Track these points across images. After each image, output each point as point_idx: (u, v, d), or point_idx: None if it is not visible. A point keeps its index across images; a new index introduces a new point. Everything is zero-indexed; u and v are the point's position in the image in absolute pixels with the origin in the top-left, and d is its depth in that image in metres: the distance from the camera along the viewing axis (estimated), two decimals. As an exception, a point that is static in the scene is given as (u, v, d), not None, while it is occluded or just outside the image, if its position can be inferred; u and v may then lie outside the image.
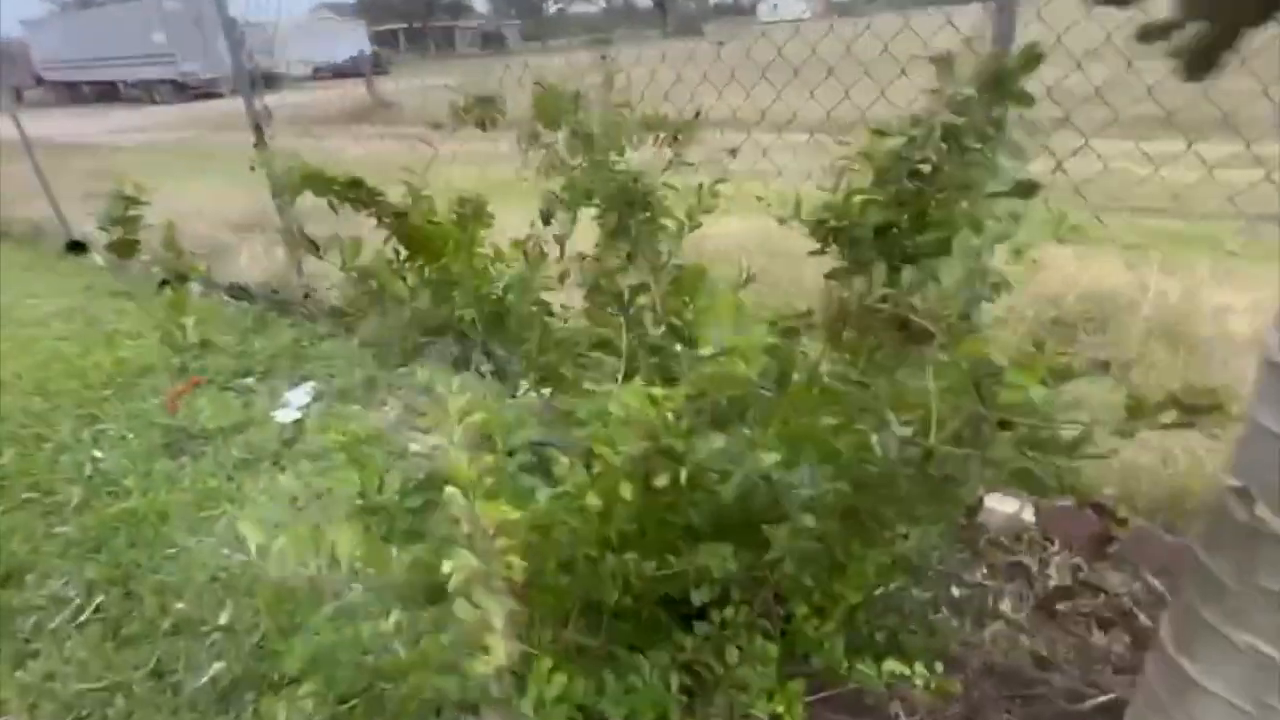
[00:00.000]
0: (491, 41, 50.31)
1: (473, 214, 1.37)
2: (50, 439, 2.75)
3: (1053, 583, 1.80)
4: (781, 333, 0.80)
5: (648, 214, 1.46)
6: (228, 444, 2.64)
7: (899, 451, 0.78)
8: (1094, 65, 1.58)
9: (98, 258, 5.39)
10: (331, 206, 1.32)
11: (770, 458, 0.77)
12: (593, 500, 0.85)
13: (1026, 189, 1.03)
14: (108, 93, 29.57)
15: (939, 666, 1.42)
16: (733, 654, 1.14)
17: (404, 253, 1.42)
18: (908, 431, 0.78)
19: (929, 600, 1.68)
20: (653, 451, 0.83)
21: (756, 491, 0.79)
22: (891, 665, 1.38)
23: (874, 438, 0.80)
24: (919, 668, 1.39)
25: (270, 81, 29.86)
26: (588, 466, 0.88)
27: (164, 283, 4.23)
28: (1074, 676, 1.56)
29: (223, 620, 1.82)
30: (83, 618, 1.86)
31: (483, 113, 1.40)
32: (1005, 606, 1.75)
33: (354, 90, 18.60)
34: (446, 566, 0.65)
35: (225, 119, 18.03)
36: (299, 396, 3.00)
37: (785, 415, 0.84)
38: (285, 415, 2.85)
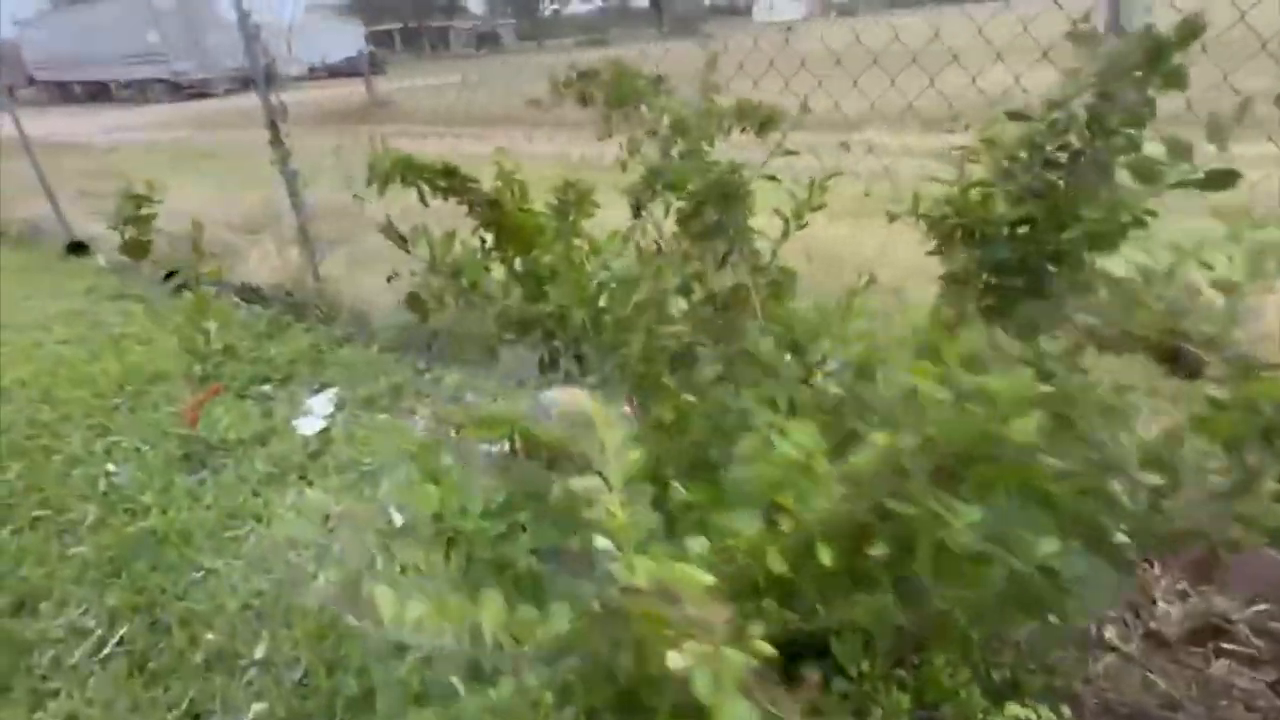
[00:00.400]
0: (487, 41, 50.08)
1: (575, 201, 1.22)
2: (59, 451, 2.59)
3: (1159, 608, 1.67)
4: (1039, 375, 0.66)
5: (742, 210, 1.33)
6: (250, 456, 2.49)
7: (1146, 506, 0.65)
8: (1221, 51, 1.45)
9: (100, 259, 5.22)
10: (422, 198, 1.17)
11: (1049, 544, 0.62)
12: (776, 564, 0.71)
13: (1224, 179, 0.90)
14: (99, 92, 29.26)
15: (1064, 710, 1.29)
16: (873, 713, 1.00)
17: (489, 243, 1.28)
18: (1157, 481, 0.65)
19: (1036, 631, 1.55)
20: (865, 511, 0.69)
21: (1030, 585, 0.65)
22: (1015, 710, 1.26)
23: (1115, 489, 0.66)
24: (1045, 711, 1.27)
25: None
26: (772, 522, 0.74)
27: (179, 286, 4.07)
28: (1200, 715, 1.43)
29: (259, 654, 1.67)
30: (105, 651, 1.71)
31: (584, 88, 1.26)
32: (1111, 635, 1.62)
33: (351, 90, 18.42)
34: (675, 662, 0.51)
35: (220, 117, 17.81)
36: (321, 404, 2.85)
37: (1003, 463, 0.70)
38: (308, 425, 2.70)
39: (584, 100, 1.41)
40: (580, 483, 0.72)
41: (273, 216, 4.98)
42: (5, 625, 1.78)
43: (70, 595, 1.88)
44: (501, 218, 1.20)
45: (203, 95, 25.96)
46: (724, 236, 1.31)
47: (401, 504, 2.24)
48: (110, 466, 2.45)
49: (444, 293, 1.31)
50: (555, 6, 57.30)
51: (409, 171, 1.15)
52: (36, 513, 2.24)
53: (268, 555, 2.00)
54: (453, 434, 2.80)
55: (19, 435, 2.71)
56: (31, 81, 31.86)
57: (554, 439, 1.69)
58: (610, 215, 1.44)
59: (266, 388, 3.01)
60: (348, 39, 31.94)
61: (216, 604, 1.81)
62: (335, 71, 28.63)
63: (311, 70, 29.37)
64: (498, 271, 1.28)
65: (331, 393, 2.91)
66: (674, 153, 1.34)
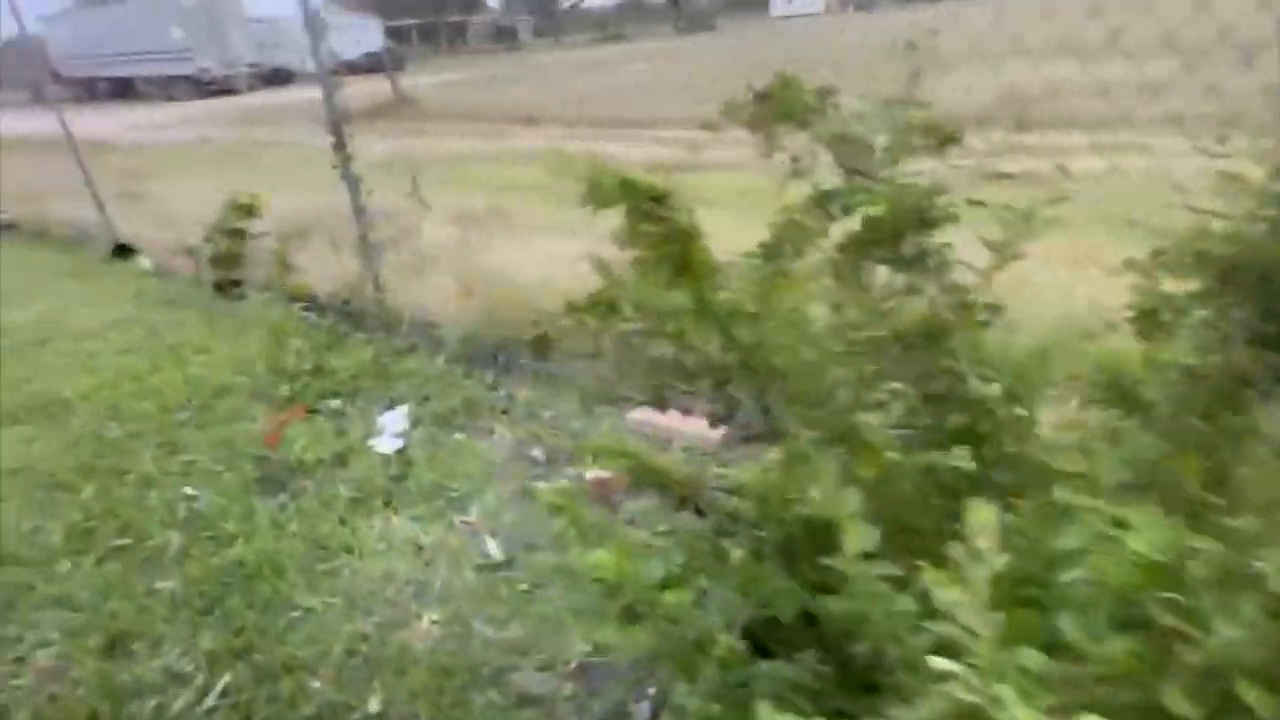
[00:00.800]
0: (505, 37, 49.97)
1: (791, 238, 1.09)
2: (131, 470, 2.50)
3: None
4: None
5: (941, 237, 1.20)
6: (330, 479, 2.38)
7: None
8: None
9: (144, 262, 5.15)
10: (634, 225, 1.04)
11: None
12: (1180, 706, 0.58)
13: None
14: (124, 89, 29.46)
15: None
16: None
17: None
18: None
19: None
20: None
21: None
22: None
23: None
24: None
25: (285, 77, 29.64)
26: (1164, 642, 0.60)
27: (219, 287, 3.95)
28: None
29: (374, 707, 1.56)
30: (209, 700, 1.60)
31: (760, 113, 1.12)
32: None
33: (374, 86, 18.34)
34: None
35: (246, 115, 17.84)
36: (394, 422, 2.74)
37: None
38: (384, 444, 2.59)
39: (755, 123, 1.28)
40: (946, 596, 0.59)
41: (318, 220, 4.88)
42: (101, 669, 1.68)
43: (164, 635, 1.78)
44: (691, 250, 1.07)
45: (225, 92, 26.07)
46: (921, 266, 1.17)
47: (495, 533, 2.13)
48: (188, 489, 2.35)
49: (600, 332, 1.18)
50: (572, 2, 57.11)
51: (629, 193, 1.01)
52: (117, 541, 2.14)
53: (365, 592, 1.89)
54: (538, 454, 2.66)
55: (88, 453, 2.62)
56: (56, 78, 32.10)
57: (684, 475, 1.56)
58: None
59: (335, 403, 2.90)
60: (367, 35, 31.91)
61: (320, 648, 1.70)
62: (355, 68, 28.60)
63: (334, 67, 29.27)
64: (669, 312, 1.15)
65: (404, 409, 2.80)
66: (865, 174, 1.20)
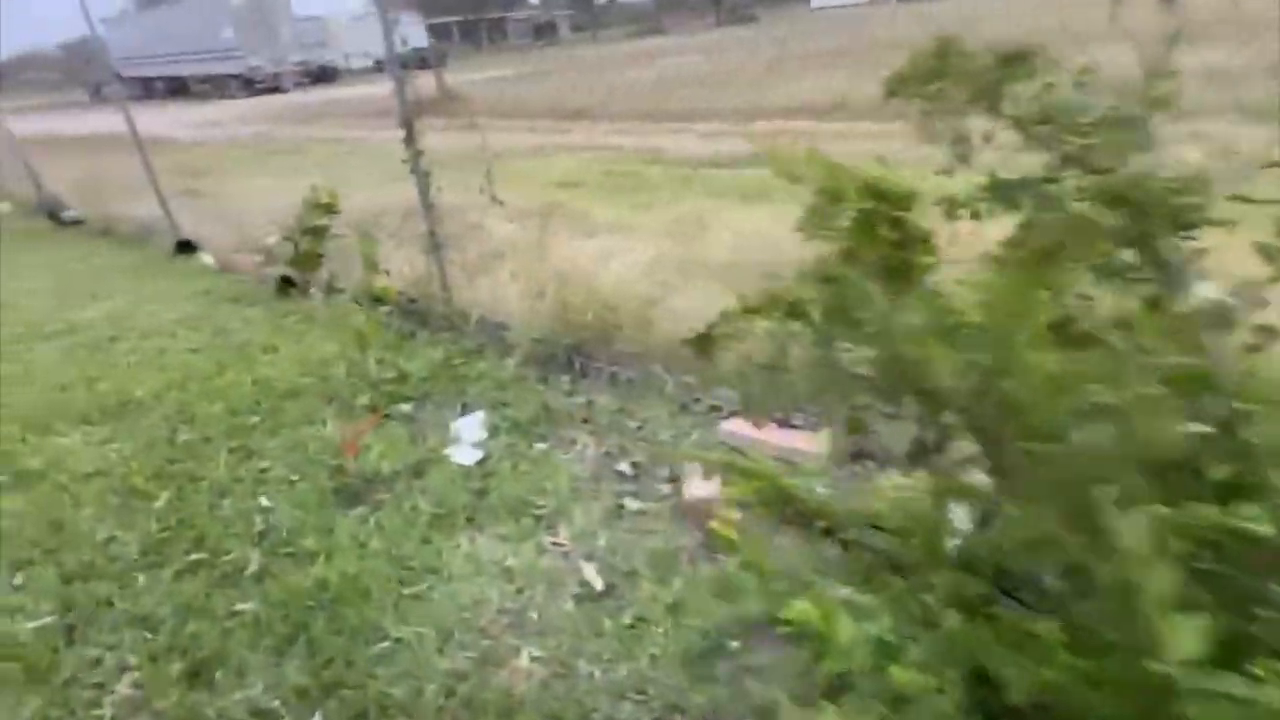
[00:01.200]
0: (545, 32, 50.05)
1: (1074, 240, 0.89)
2: (205, 477, 2.41)
3: None
4: None
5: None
6: (409, 491, 2.25)
7: None
8: None
9: (207, 259, 5.14)
10: (864, 230, 0.86)
11: None
12: None
13: None
14: (179, 88, 30.30)
15: None
16: None
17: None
18: None
19: None
20: None
21: None
22: None
23: None
24: None
25: (330, 74, 30.03)
26: None
27: (286, 282, 3.85)
28: None
29: (479, 758, 1.41)
30: (300, 743, 1.47)
31: (909, 88, 0.92)
32: None
33: (419, 83, 18.41)
34: None
35: (295, 112, 18.10)
36: (470, 429, 2.60)
37: None
38: (464, 455, 2.45)
39: (927, 96, 1.08)
40: None
41: (379, 217, 4.79)
42: (184, 700, 1.57)
43: (246, 664, 1.66)
44: (919, 258, 0.88)
45: (274, 90, 26.60)
46: (1170, 278, 0.96)
47: (590, 557, 1.96)
48: (263, 500, 2.25)
49: (789, 341, 1.00)
50: (611, -4, 56.93)
51: (870, 196, 0.83)
52: (194, 554, 2.04)
53: (456, 621, 1.74)
54: (625, 468, 2.48)
55: (161, 458, 2.55)
56: (118, 77, 33.15)
57: (822, 503, 1.36)
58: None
59: (406, 407, 2.78)
60: (410, 31, 32.16)
61: (414, 685, 1.56)
62: (402, 64, 28.80)
63: (377, 64, 29.70)
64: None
65: (480, 416, 2.66)
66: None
